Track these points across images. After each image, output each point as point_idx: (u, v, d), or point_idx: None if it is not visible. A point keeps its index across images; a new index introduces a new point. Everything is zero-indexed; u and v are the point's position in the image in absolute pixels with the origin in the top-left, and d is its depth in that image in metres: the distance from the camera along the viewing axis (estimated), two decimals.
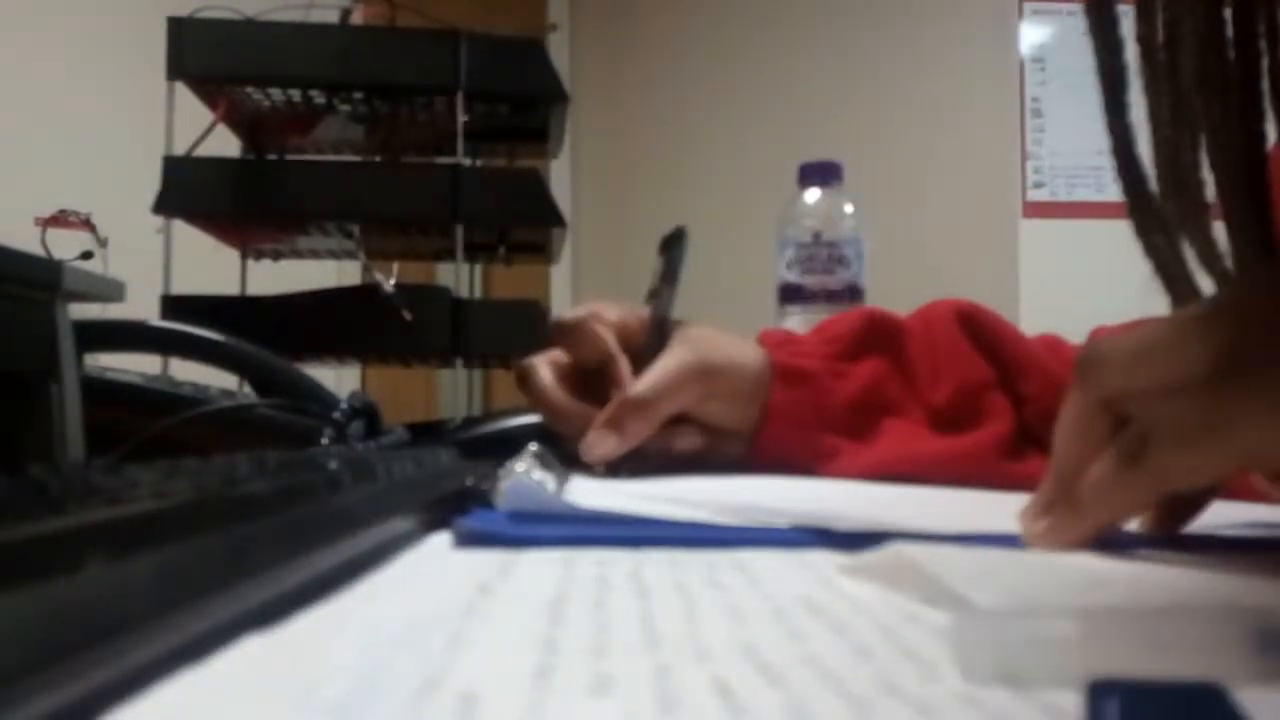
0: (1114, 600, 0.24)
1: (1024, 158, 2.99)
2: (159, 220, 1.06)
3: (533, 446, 0.46)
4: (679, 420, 0.58)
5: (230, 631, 0.17)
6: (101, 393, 0.63)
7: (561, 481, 0.42)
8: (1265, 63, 0.41)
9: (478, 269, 1.38)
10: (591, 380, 0.59)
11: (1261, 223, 0.41)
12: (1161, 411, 0.29)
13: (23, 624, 0.13)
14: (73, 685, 0.13)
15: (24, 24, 2.49)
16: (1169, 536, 0.34)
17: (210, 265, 1.15)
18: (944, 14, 3.09)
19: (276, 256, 1.27)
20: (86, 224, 1.45)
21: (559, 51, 3.17)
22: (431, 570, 0.27)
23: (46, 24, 2.52)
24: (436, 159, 1.17)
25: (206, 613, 0.17)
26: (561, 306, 3.32)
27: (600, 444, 0.55)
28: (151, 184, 1.05)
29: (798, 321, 0.94)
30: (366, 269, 1.16)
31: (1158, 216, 0.43)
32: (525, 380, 0.59)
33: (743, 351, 0.61)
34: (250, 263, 1.22)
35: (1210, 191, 0.42)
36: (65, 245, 1.36)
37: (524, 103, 1.15)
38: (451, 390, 1.09)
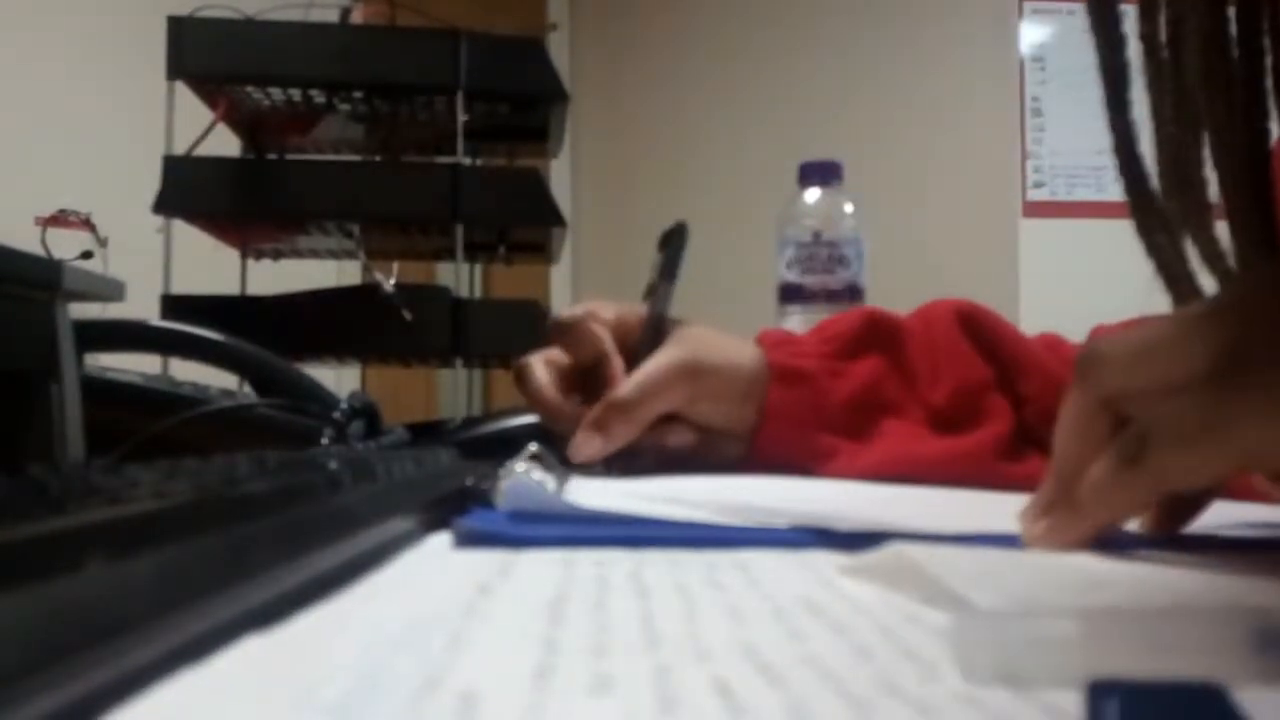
0: (1114, 600, 0.24)
1: (1024, 157, 2.99)
2: (159, 220, 1.06)
3: (532, 446, 0.46)
4: (672, 418, 0.58)
5: (230, 631, 0.17)
6: (101, 393, 0.63)
7: (561, 481, 0.42)
8: (1269, 60, 0.41)
9: (478, 269, 1.38)
10: (589, 379, 0.59)
11: (1265, 221, 0.41)
12: (1161, 411, 0.29)
13: (23, 624, 0.13)
14: (73, 685, 0.13)
15: (24, 24, 2.49)
16: (1169, 537, 0.34)
17: (210, 265, 1.15)
18: (944, 14, 3.09)
19: (276, 256, 1.27)
20: (86, 224, 1.45)
21: (559, 51, 3.17)
22: (431, 570, 0.27)
23: (46, 24, 2.52)
24: (436, 159, 1.17)
25: (206, 613, 0.17)
26: (561, 306, 3.32)
27: (586, 445, 0.55)
28: (151, 184, 1.05)
29: (798, 321, 0.94)
30: (366, 269, 1.16)
31: (1160, 215, 0.43)
32: (521, 379, 0.60)
33: (739, 351, 0.61)
34: (250, 262, 1.22)
35: (1213, 190, 0.42)
36: (65, 245, 1.36)
37: (524, 102, 1.15)
38: (451, 390, 1.09)
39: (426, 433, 0.80)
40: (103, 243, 1.47)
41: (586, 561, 0.27)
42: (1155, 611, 0.17)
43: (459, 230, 1.08)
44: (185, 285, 1.05)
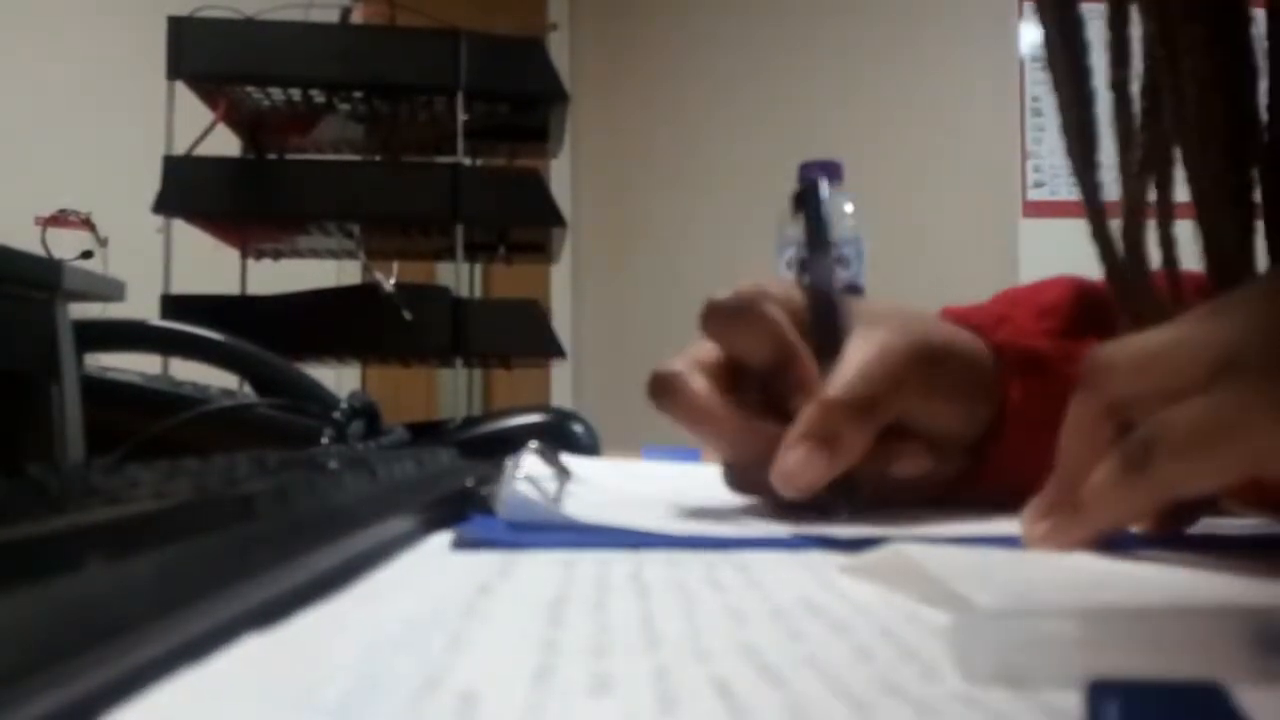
0: (1114, 600, 0.24)
1: (1024, 157, 2.99)
2: (159, 220, 1.06)
3: (533, 444, 0.46)
4: (889, 434, 0.41)
5: (230, 631, 0.17)
6: (101, 393, 0.63)
7: (562, 481, 0.42)
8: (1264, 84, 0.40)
9: (478, 269, 1.38)
10: (747, 386, 0.43)
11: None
12: (1168, 418, 0.28)
13: (23, 624, 0.13)
14: (73, 685, 0.13)
15: (24, 24, 2.49)
16: (1169, 538, 0.34)
17: (210, 265, 1.15)
18: (944, 14, 3.09)
19: (276, 256, 1.27)
20: (86, 224, 1.46)
21: (559, 51, 3.17)
22: (431, 570, 0.27)
23: (47, 24, 2.52)
24: (436, 159, 1.17)
25: (206, 613, 0.17)
26: (561, 306, 3.31)
27: (807, 466, 0.38)
28: (151, 184, 1.05)
29: None
30: (366, 269, 1.16)
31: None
32: (670, 392, 0.41)
33: (957, 333, 0.46)
34: (250, 262, 1.22)
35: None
36: (65, 245, 1.36)
37: (524, 102, 1.15)
38: (451, 390, 1.09)
39: (426, 433, 0.80)
40: (103, 242, 1.47)
41: (586, 562, 0.27)
42: (1155, 611, 0.17)
43: (459, 230, 1.08)
44: (185, 285, 1.05)
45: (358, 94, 1.10)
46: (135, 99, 1.52)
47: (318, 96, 1.11)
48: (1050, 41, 0.44)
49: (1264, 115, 0.41)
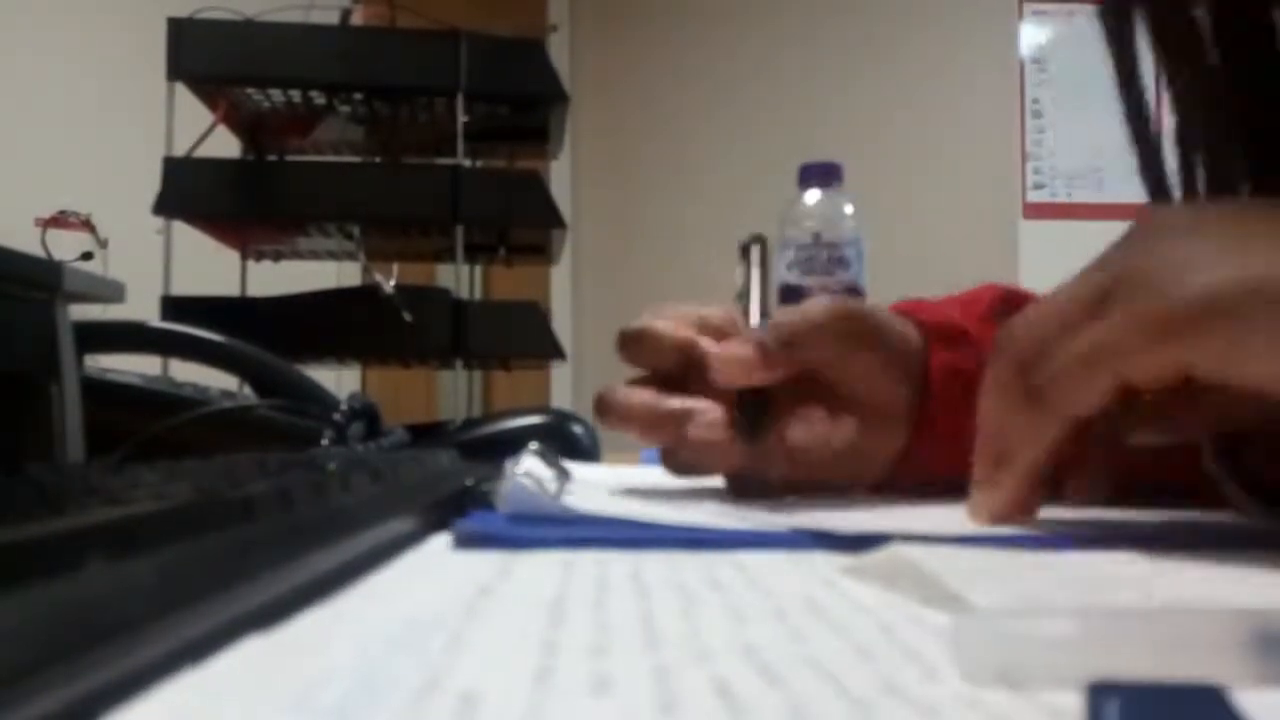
0: (1114, 600, 0.24)
1: (1024, 158, 2.99)
2: (159, 221, 1.06)
3: (533, 445, 0.46)
4: (819, 404, 0.45)
5: (230, 632, 0.17)
6: (101, 393, 0.63)
7: (562, 480, 0.42)
8: None
9: (478, 269, 1.38)
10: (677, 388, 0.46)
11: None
12: (1052, 350, 0.32)
13: (23, 624, 0.13)
14: (73, 685, 0.13)
15: (24, 24, 2.49)
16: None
17: (210, 266, 1.15)
18: (944, 14, 3.09)
19: (276, 257, 1.27)
20: (86, 224, 1.46)
21: (559, 51, 3.17)
22: (431, 571, 0.27)
23: (47, 24, 2.52)
24: (436, 159, 1.18)
25: (206, 613, 0.17)
26: (561, 307, 3.32)
27: (738, 355, 0.42)
28: (151, 184, 1.05)
29: None
30: (366, 270, 1.16)
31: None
32: (603, 406, 0.46)
33: (880, 307, 0.50)
34: (250, 263, 1.22)
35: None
36: (65, 245, 1.37)
37: (524, 103, 1.15)
38: (451, 391, 1.09)
39: (426, 434, 0.80)
40: (103, 244, 1.47)
41: (586, 562, 0.27)
42: (1155, 611, 0.17)
43: (459, 231, 1.08)
44: (185, 286, 1.05)
45: (358, 95, 1.10)
46: (135, 100, 1.52)
47: (318, 98, 1.11)
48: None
49: None
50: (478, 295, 1.46)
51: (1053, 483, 0.35)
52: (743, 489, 0.43)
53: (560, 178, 3.11)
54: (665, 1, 3.41)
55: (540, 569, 0.26)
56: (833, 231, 0.96)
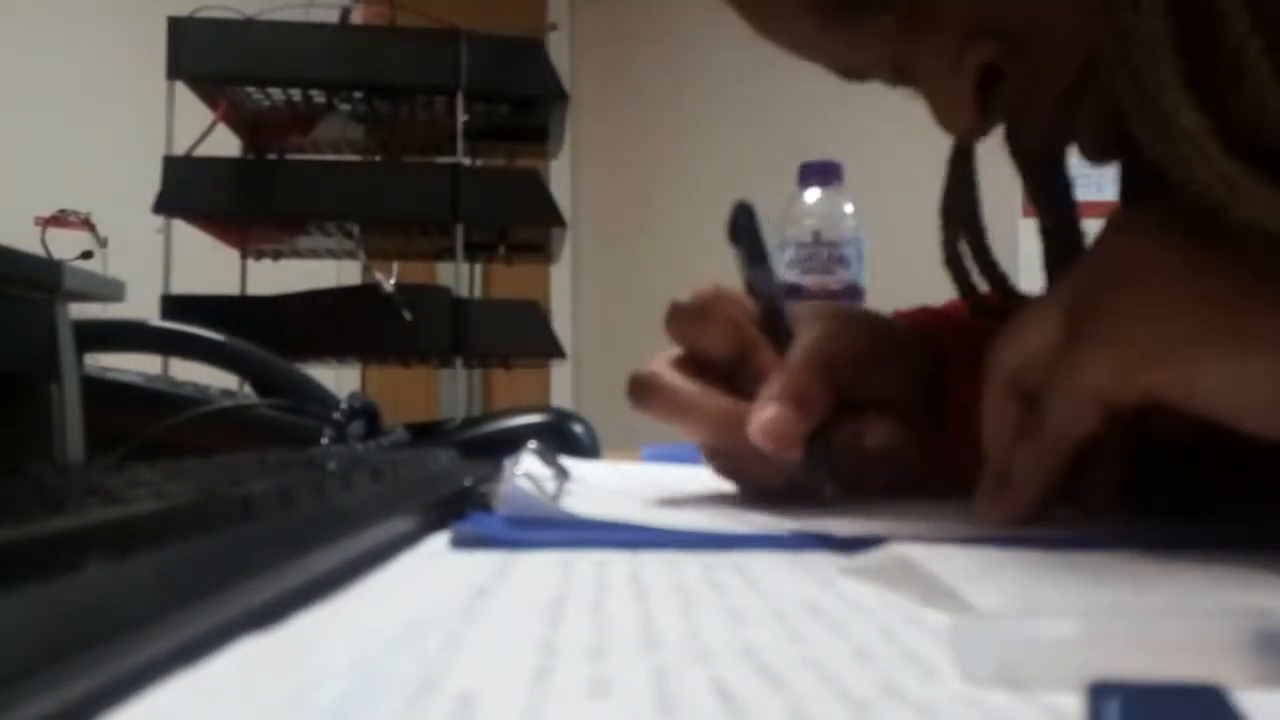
0: (1114, 600, 0.24)
1: None
2: (159, 220, 1.06)
3: (532, 444, 0.46)
4: (857, 411, 0.44)
5: (229, 632, 0.17)
6: (101, 393, 0.63)
7: (561, 479, 0.42)
8: None
9: (478, 269, 1.38)
10: (712, 382, 0.44)
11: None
12: (1046, 379, 0.34)
13: (23, 624, 0.13)
14: (73, 685, 0.13)
15: (24, 25, 2.49)
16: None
17: (210, 265, 1.15)
18: None
19: (276, 256, 1.26)
20: (86, 224, 1.46)
21: (559, 51, 3.17)
22: (429, 571, 0.27)
23: (47, 24, 2.52)
24: (436, 159, 1.17)
25: (206, 613, 0.17)
26: (561, 307, 3.31)
27: (780, 420, 0.39)
28: (151, 184, 1.05)
29: None
30: (366, 269, 1.16)
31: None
32: (649, 391, 0.43)
33: (894, 319, 0.51)
34: (250, 263, 1.22)
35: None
36: (65, 245, 1.37)
37: (524, 103, 1.15)
38: (451, 390, 1.09)
39: (426, 433, 0.80)
40: (103, 243, 1.47)
41: (585, 563, 0.27)
42: (1155, 611, 0.17)
43: (459, 230, 1.08)
44: (185, 285, 1.05)
45: (358, 94, 1.10)
46: (135, 99, 1.52)
47: (318, 97, 1.11)
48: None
49: None
50: (478, 294, 1.46)
51: (1062, 493, 0.36)
52: (795, 497, 0.41)
53: (560, 177, 3.11)
54: (665, 1, 3.41)
55: (539, 570, 0.26)
56: (833, 231, 0.96)
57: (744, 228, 0.48)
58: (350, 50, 1.11)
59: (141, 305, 0.80)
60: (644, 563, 0.27)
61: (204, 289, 1.05)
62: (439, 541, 0.31)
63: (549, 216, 1.13)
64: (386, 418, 0.71)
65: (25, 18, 2.46)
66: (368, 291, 1.08)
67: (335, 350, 1.14)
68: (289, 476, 0.30)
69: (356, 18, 1.21)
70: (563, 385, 3.07)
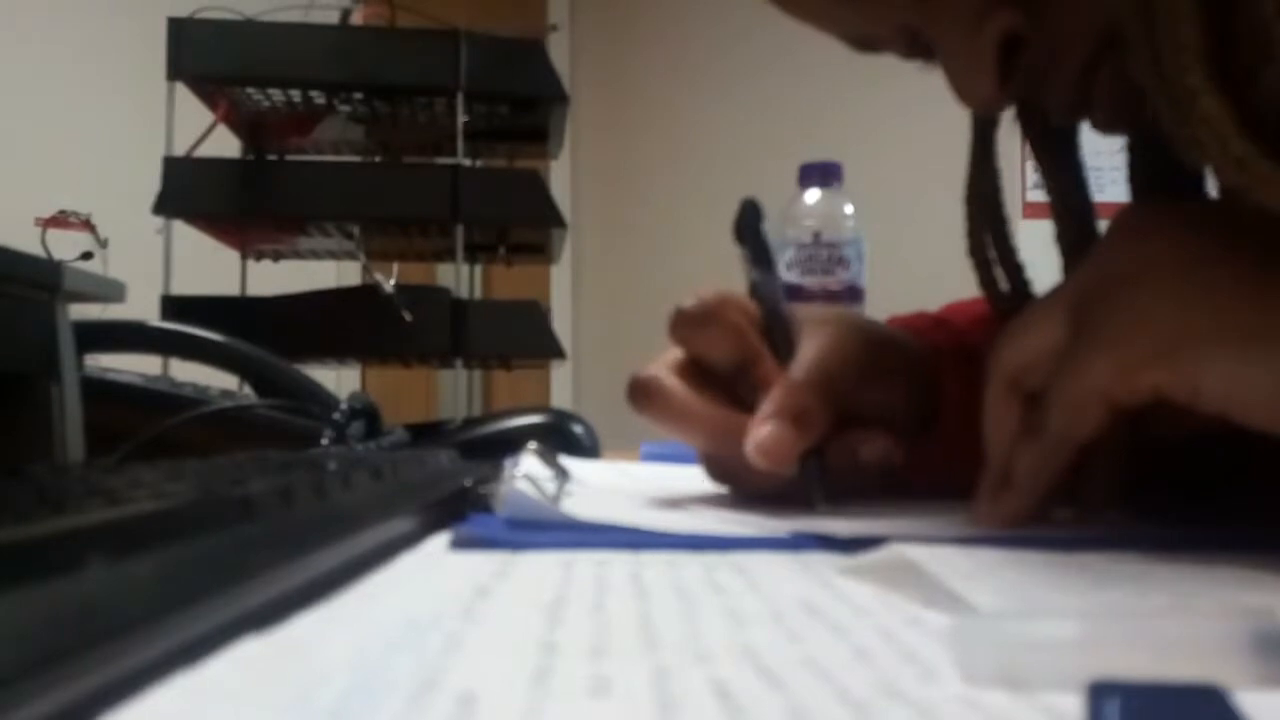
0: (1114, 600, 0.24)
1: (1024, 158, 2.98)
2: (159, 220, 1.06)
3: (532, 445, 0.46)
4: (851, 424, 0.43)
5: (229, 632, 0.17)
6: (101, 393, 0.63)
7: (561, 480, 0.42)
8: None
9: (478, 269, 1.38)
10: (712, 388, 0.44)
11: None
12: (1049, 379, 0.34)
13: (23, 624, 0.13)
14: (73, 686, 0.13)
15: (25, 25, 2.49)
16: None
17: (210, 266, 1.15)
18: None
19: (276, 257, 1.27)
20: (86, 224, 1.46)
21: (559, 51, 3.17)
22: (430, 571, 0.27)
23: (47, 24, 2.52)
24: (436, 159, 1.17)
25: (206, 614, 0.17)
26: (561, 307, 3.31)
27: (778, 438, 0.39)
28: (151, 184, 1.05)
29: None
30: (366, 269, 1.16)
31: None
32: (649, 394, 0.43)
33: (894, 329, 0.50)
34: (250, 263, 1.22)
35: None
36: (65, 245, 1.37)
37: (524, 103, 1.15)
38: (451, 391, 1.09)
39: (426, 433, 0.80)
40: (103, 243, 1.47)
41: (585, 563, 0.27)
42: (1155, 611, 0.17)
43: (459, 231, 1.08)
44: (185, 286, 1.05)
45: (358, 95, 1.10)
46: (135, 99, 1.52)
47: (318, 97, 1.11)
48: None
49: None
50: (478, 295, 1.46)
51: (1063, 493, 0.36)
52: (787, 503, 0.41)
53: (560, 178, 3.10)
54: (665, 1, 3.41)
55: (539, 570, 0.26)
56: (833, 231, 0.96)
57: (749, 228, 0.48)
58: (350, 51, 1.11)
59: (141, 306, 0.80)
60: (644, 563, 0.27)
61: (204, 290, 1.05)
62: (439, 542, 0.31)
63: (549, 217, 1.13)
64: (386, 418, 0.71)
65: (25, 18, 2.46)
66: (368, 292, 1.08)
67: (335, 351, 1.14)
68: (289, 477, 0.30)
69: (356, 18, 1.21)
70: (563, 385, 3.07)
